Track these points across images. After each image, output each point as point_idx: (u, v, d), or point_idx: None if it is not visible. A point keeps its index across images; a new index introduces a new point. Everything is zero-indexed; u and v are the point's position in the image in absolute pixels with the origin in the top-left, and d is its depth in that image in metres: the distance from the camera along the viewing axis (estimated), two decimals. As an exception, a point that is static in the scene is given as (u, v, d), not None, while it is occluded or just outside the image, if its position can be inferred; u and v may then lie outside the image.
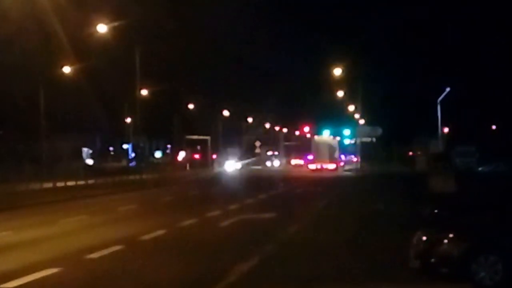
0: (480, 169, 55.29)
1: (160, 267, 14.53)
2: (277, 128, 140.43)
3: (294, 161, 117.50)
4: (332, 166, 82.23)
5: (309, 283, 11.94)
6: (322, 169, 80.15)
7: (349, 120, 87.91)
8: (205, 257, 15.53)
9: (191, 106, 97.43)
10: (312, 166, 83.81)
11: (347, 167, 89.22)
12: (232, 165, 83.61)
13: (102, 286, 12.63)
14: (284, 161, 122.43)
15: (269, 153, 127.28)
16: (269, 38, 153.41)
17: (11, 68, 52.42)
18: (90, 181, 53.05)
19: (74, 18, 50.39)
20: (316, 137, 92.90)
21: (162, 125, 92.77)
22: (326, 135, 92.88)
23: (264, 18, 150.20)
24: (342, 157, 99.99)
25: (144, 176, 61.91)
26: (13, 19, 44.87)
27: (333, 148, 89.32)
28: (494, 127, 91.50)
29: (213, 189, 47.19)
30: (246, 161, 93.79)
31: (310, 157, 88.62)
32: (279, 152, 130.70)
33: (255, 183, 51.96)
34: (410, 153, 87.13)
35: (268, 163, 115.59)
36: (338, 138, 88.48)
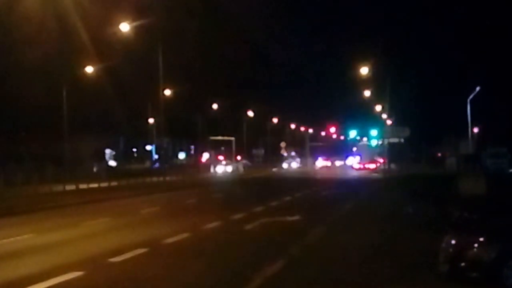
0: (511, 170, 54.93)
1: (185, 271, 14.56)
2: (302, 129, 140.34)
3: (320, 163, 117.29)
4: (372, 166, 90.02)
5: (335, 287, 11.93)
6: (364, 168, 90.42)
7: (376, 120, 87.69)
8: (229, 261, 15.55)
9: (215, 106, 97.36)
10: (356, 166, 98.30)
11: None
12: (222, 168, 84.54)
13: (126, 289, 12.70)
14: (309, 162, 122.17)
15: (285, 154, 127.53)
16: (295, 38, 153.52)
17: (34, 69, 52.89)
18: (113, 183, 53.32)
19: (96, 17, 50.68)
20: (360, 142, 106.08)
21: (186, 126, 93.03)
22: (365, 140, 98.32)
23: (290, 18, 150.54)
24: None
25: (167, 178, 62.14)
26: (35, 21, 45.25)
27: (374, 150, 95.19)
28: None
29: (237, 191, 47.20)
30: (239, 164, 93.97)
31: (352, 158, 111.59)
32: (299, 153, 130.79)
33: (279, 185, 51.90)
34: (439, 154, 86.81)
35: (285, 165, 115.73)
36: (379, 142, 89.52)
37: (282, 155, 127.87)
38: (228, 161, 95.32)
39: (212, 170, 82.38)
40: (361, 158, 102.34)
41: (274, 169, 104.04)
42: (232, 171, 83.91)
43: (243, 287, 12.29)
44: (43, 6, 43.03)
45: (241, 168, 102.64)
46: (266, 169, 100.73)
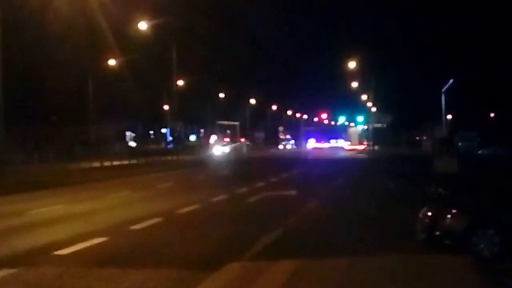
0: (479, 152, 54.92)
1: (195, 238, 14.58)
2: (298, 115, 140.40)
3: (312, 144, 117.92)
4: (361, 147, 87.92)
5: (326, 251, 11.94)
6: (355, 149, 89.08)
7: (362, 108, 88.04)
8: (234, 230, 15.57)
9: (221, 95, 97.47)
10: (348, 147, 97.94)
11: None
12: (220, 149, 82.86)
13: (144, 253, 12.70)
14: (303, 144, 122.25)
15: (282, 137, 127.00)
16: (292, 35, 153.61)
17: (63, 62, 52.81)
18: (133, 161, 53.40)
19: (118, 17, 50.51)
20: (350, 128, 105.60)
21: (196, 112, 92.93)
22: (358, 127, 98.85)
23: (290, 19, 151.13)
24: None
25: (180, 157, 62.14)
26: (65, 19, 45.16)
27: (361, 134, 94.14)
28: (492, 114, 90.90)
29: (241, 168, 47.20)
30: (234, 145, 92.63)
31: (342, 140, 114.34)
32: (296, 136, 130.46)
33: (277, 164, 51.91)
34: (417, 137, 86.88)
35: (281, 146, 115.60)
36: (365, 127, 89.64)
37: (279, 138, 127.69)
38: (225, 142, 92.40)
39: (209, 151, 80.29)
40: (350, 140, 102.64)
41: (272, 150, 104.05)
42: (230, 152, 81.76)
43: (247, 252, 12.29)
44: (73, 6, 42.90)
45: (244, 149, 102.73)
46: (266, 150, 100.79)
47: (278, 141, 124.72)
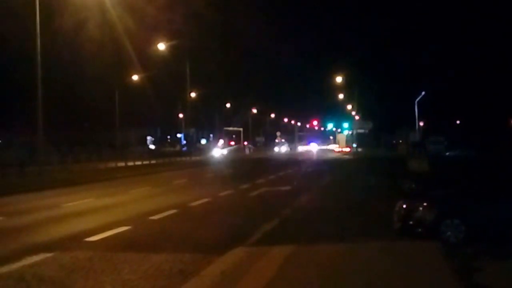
0: (447, 153, 54.82)
1: (205, 226, 14.59)
2: (292, 122, 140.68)
3: (305, 147, 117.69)
4: (348, 149, 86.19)
5: (316, 238, 11.94)
6: (342, 151, 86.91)
7: (347, 116, 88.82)
8: (239, 219, 15.55)
9: (228, 105, 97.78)
10: (337, 150, 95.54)
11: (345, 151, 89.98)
12: (219, 152, 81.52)
13: (161, 240, 12.69)
14: (297, 146, 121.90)
15: (278, 140, 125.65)
16: (288, 54, 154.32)
17: (94, 78, 52.96)
18: (152, 161, 53.33)
19: (140, 38, 50.62)
20: (339, 134, 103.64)
21: (206, 119, 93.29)
22: (345, 132, 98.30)
23: (289, 40, 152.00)
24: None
25: (192, 158, 62.18)
26: (95, 42, 45.26)
27: (348, 139, 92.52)
28: (458, 121, 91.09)
29: (244, 168, 47.18)
30: (231, 148, 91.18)
31: (333, 144, 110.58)
32: (291, 140, 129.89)
33: (275, 164, 51.86)
34: (394, 141, 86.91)
35: (276, 149, 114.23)
36: (350, 132, 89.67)
37: (277, 142, 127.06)
38: (224, 145, 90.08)
39: (211, 153, 78.19)
40: (339, 144, 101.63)
41: (270, 152, 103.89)
42: (228, 154, 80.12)
43: (249, 238, 12.28)
44: (102, 30, 43.06)
45: (247, 151, 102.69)
46: (266, 152, 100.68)
47: (274, 144, 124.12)
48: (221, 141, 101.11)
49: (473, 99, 75.72)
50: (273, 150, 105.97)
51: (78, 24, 40.38)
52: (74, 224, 15.15)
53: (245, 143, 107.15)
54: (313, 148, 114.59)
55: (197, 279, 8.77)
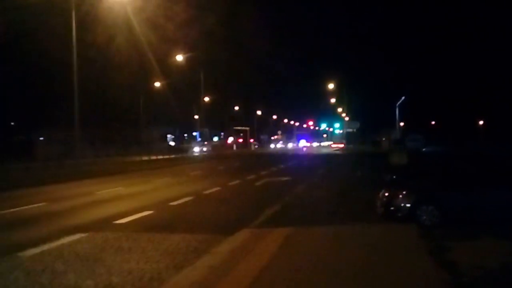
0: (424, 149, 54.71)
1: (217, 210, 14.62)
2: (292, 122, 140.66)
3: (302, 144, 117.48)
4: (341, 145, 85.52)
5: (311, 221, 11.95)
6: (338, 148, 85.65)
7: (338, 117, 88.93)
8: (245, 205, 15.59)
9: (236, 107, 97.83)
10: (333, 146, 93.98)
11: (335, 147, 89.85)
12: (198, 149, 74.42)
13: (179, 222, 12.73)
14: (295, 143, 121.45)
15: (272, 138, 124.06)
16: (287, 63, 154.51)
17: (122, 83, 52.92)
18: (172, 156, 53.47)
19: (161, 50, 50.60)
20: (335, 132, 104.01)
21: (218, 120, 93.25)
22: (335, 131, 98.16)
23: (289, 51, 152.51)
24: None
25: (206, 153, 62.08)
26: (123, 53, 45.27)
27: (341, 137, 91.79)
28: (433, 122, 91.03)
29: (249, 161, 47.21)
30: (213, 144, 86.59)
31: (326, 142, 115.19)
32: (290, 138, 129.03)
33: (277, 158, 51.88)
34: (378, 139, 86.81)
35: (273, 145, 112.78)
36: (341, 131, 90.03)
37: (272, 139, 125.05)
38: (203, 144, 79.99)
39: (190, 151, 72.21)
40: (333, 141, 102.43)
41: (273, 148, 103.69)
42: (206, 151, 74.51)
43: (254, 221, 12.28)
44: (129, 43, 43.09)
45: (253, 147, 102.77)
46: (268, 149, 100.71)
47: (272, 140, 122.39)
48: (230, 138, 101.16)
49: (446, 103, 75.84)
50: (269, 147, 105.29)
51: (109, 38, 40.42)
52: (105, 209, 15.21)
53: (251, 140, 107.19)
54: (302, 144, 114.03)
55: (209, 256, 8.80)
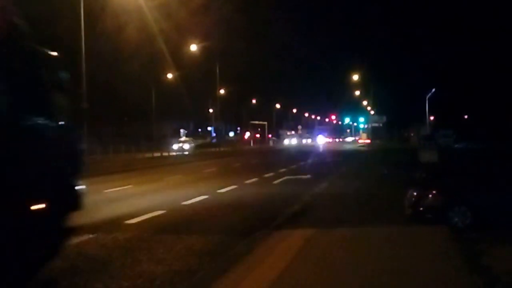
0: (455, 146, 54.20)
1: (232, 210, 14.63)
2: (313, 116, 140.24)
3: (324, 139, 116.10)
4: (368, 141, 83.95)
5: (334, 222, 11.89)
6: (364, 143, 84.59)
7: (363, 111, 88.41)
8: (263, 205, 15.59)
9: (253, 101, 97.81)
10: (360, 141, 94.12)
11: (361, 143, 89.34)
12: (178, 145, 64.58)
13: (192, 223, 12.78)
14: (313, 139, 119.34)
15: (288, 133, 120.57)
16: (309, 54, 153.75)
17: (133, 76, 53.24)
18: (185, 152, 53.61)
19: (174, 40, 50.79)
20: (362, 128, 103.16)
21: (234, 114, 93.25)
22: (359, 126, 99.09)
23: (310, 42, 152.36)
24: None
25: (221, 149, 62.30)
26: (134, 43, 45.55)
27: (368, 132, 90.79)
28: (466, 116, 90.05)
29: (268, 158, 47.16)
30: (196, 141, 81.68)
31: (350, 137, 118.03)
32: (311, 133, 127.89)
33: (297, 154, 51.73)
34: (406, 134, 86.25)
35: (287, 141, 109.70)
36: (365, 126, 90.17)
37: (287, 134, 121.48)
38: (184, 139, 72.06)
39: (171, 147, 62.71)
40: (360, 136, 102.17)
41: (292, 144, 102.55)
42: (189, 148, 64.63)
43: (272, 222, 12.23)
44: (140, 33, 43.32)
45: (271, 143, 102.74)
46: (282, 145, 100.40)
47: (287, 136, 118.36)
48: (247, 134, 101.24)
49: (479, 96, 74.80)
50: (283, 143, 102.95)
51: (119, 27, 40.65)
52: (115, 208, 15.31)
53: (269, 135, 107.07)
54: (320, 140, 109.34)
55: (225, 259, 8.80)
